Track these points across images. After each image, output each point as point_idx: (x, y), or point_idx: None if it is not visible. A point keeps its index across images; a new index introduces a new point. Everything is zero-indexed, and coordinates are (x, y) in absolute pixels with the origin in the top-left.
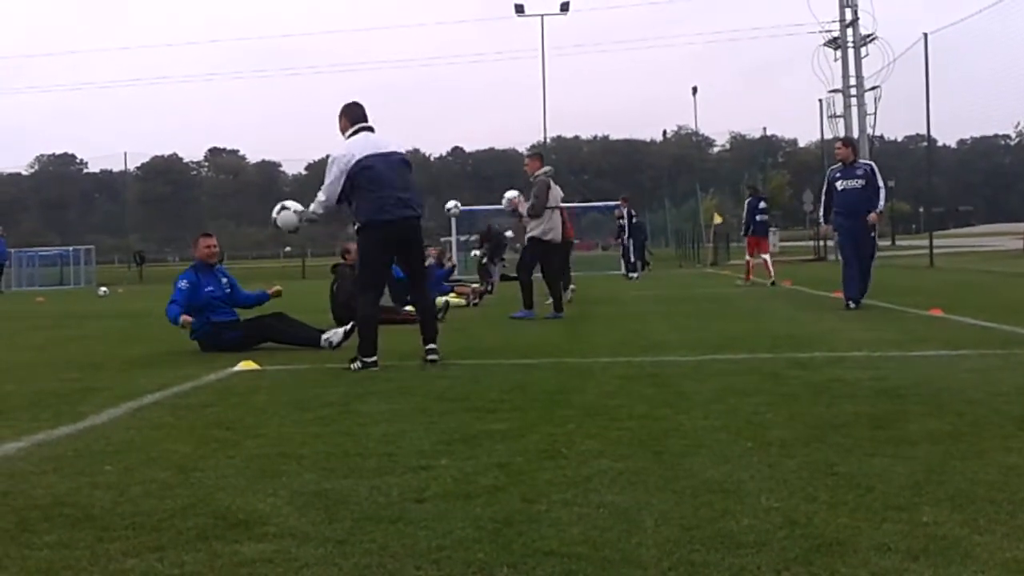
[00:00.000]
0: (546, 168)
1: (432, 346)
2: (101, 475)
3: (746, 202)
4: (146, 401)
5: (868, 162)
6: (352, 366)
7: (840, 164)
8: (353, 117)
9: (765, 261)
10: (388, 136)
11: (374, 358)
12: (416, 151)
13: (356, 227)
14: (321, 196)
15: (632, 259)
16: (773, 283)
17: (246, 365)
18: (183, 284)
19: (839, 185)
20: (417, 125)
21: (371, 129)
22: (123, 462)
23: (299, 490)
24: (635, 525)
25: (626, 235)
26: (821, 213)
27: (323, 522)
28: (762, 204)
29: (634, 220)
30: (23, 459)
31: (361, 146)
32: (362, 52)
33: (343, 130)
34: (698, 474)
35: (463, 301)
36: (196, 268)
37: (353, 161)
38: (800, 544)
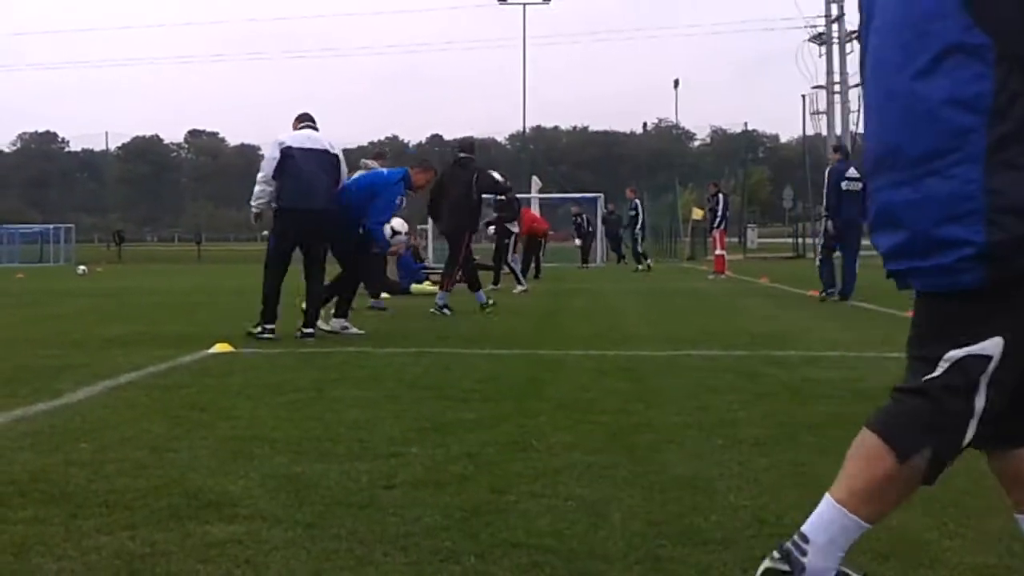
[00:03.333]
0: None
1: (309, 330)
2: (76, 452)
3: (722, 197)
4: (122, 380)
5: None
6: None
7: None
8: (301, 117)
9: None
10: (325, 137)
11: (272, 325)
12: (394, 138)
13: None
14: (260, 173)
15: (640, 250)
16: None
17: (222, 347)
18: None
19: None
20: (396, 111)
21: (314, 128)
22: (98, 440)
23: (270, 473)
24: (602, 519)
25: (638, 226)
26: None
27: (293, 505)
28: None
29: (611, 214)
30: (0, 434)
31: (294, 137)
32: (343, 39)
33: (293, 127)
34: (668, 470)
35: (436, 289)
36: None
37: (283, 145)
38: (767, 543)
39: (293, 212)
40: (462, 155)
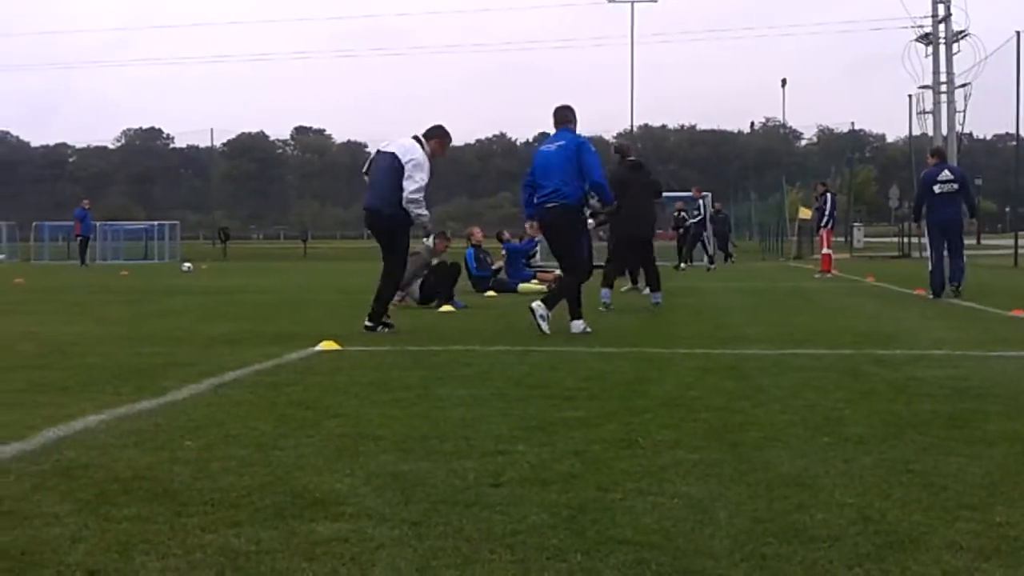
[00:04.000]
0: None
1: (368, 323)
2: (181, 450)
3: (830, 196)
4: (227, 378)
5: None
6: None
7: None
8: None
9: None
10: (402, 140)
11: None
12: (503, 135)
13: None
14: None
15: (711, 251)
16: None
17: (327, 345)
18: None
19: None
20: (505, 109)
21: (416, 137)
22: (203, 438)
23: (376, 471)
24: (708, 516)
25: (705, 226)
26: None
27: (399, 503)
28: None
29: (719, 212)
30: (105, 432)
31: (387, 142)
32: (454, 35)
33: None
34: (773, 467)
35: (544, 287)
36: None
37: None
38: (873, 540)
39: (364, 211)
40: (631, 158)
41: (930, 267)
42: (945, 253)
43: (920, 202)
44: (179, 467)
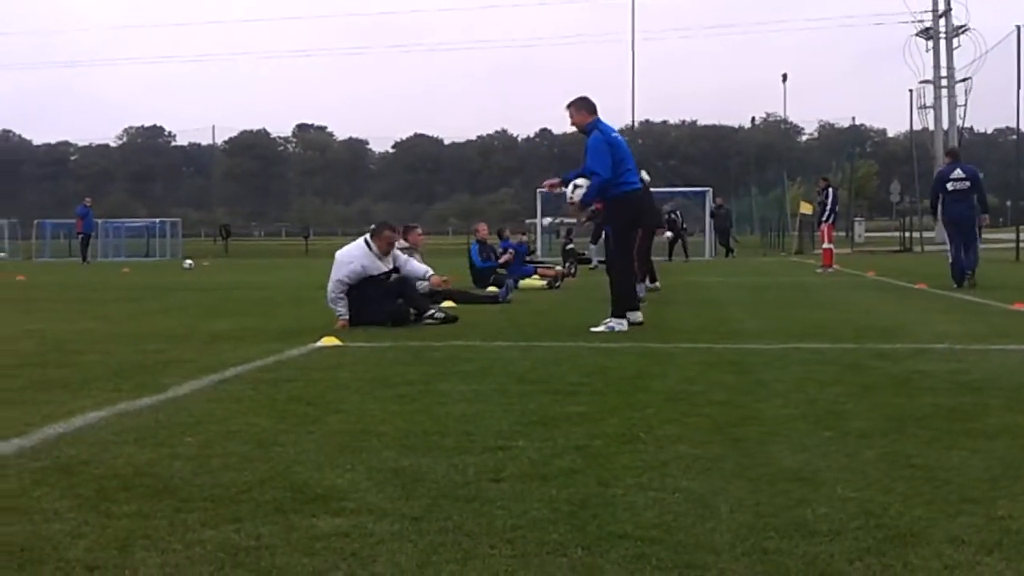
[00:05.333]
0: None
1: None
2: (181, 446)
3: (831, 191)
4: (228, 374)
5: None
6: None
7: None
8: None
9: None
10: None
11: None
12: (503, 131)
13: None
14: None
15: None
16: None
17: (328, 341)
18: None
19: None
20: (506, 106)
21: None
22: (203, 434)
23: (377, 466)
24: (710, 511)
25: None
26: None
27: (400, 498)
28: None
29: (720, 208)
30: (104, 428)
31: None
32: (455, 32)
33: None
34: (775, 462)
35: (544, 283)
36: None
37: None
38: (874, 534)
39: None
40: None
41: (950, 259)
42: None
43: (935, 199)
44: (179, 463)
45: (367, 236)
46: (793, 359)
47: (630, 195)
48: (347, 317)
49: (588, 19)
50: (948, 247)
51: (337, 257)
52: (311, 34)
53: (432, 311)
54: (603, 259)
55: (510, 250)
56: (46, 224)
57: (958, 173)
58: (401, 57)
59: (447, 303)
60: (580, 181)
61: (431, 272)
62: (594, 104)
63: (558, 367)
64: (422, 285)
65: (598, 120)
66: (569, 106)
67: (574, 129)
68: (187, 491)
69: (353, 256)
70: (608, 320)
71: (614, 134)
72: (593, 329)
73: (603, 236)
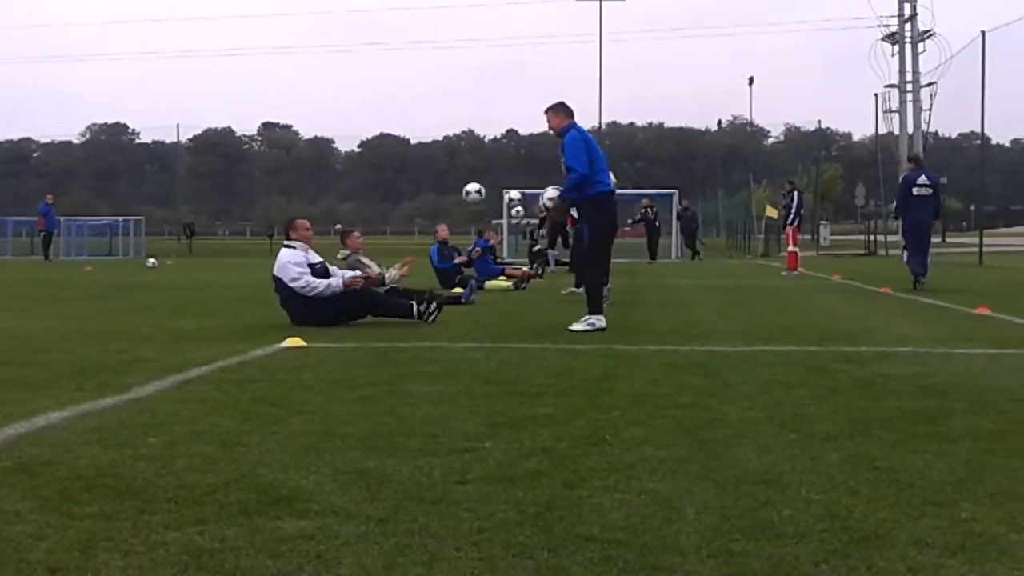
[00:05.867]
0: None
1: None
2: (145, 447)
3: (796, 194)
4: (192, 375)
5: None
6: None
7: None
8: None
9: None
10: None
11: None
12: (471, 132)
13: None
14: None
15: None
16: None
17: (293, 342)
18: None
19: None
20: (473, 106)
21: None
22: (167, 435)
23: (342, 468)
24: (676, 513)
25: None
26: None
27: (365, 500)
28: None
29: (687, 210)
30: (67, 429)
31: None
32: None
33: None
34: (740, 464)
35: (510, 284)
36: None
37: None
38: (839, 537)
39: None
40: None
41: (905, 258)
42: None
43: (901, 202)
44: (142, 464)
45: (284, 241)
46: (759, 361)
47: (605, 195)
48: (356, 274)
49: (557, 20)
50: (903, 250)
51: (276, 267)
52: (277, 32)
53: (427, 307)
54: (565, 261)
55: (477, 248)
56: (7, 221)
57: (923, 179)
58: (368, 56)
59: None
60: (551, 191)
61: (350, 273)
62: (571, 109)
63: (524, 368)
64: (391, 275)
65: (574, 123)
66: (547, 111)
67: (541, 130)
68: (150, 492)
69: (286, 256)
70: (588, 317)
71: (588, 136)
72: (573, 327)
73: (561, 239)
